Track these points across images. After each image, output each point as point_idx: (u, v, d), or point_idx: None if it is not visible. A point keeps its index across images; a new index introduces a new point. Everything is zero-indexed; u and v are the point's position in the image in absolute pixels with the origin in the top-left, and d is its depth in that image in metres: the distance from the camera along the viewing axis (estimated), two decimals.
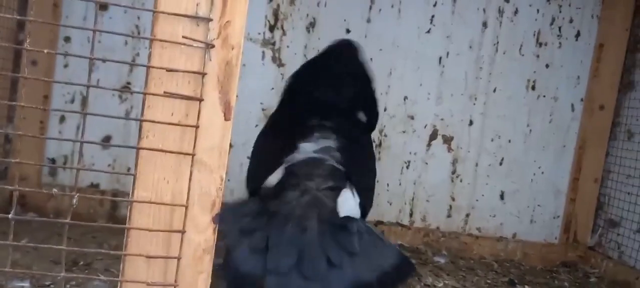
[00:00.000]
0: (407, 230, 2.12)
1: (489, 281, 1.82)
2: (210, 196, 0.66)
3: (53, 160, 1.97)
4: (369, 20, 2.06)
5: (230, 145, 2.04)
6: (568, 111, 2.19)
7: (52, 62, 1.88)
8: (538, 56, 2.15)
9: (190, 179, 0.64)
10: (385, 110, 2.09)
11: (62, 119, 1.92)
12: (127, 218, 0.64)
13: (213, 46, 0.64)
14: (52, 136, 1.91)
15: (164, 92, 0.62)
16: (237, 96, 2.05)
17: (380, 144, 2.11)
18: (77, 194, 0.63)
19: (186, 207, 0.64)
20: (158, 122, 0.63)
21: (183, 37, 0.62)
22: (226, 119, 0.65)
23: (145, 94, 0.62)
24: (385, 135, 2.10)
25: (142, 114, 0.63)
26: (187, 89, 0.63)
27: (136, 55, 1.91)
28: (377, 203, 2.11)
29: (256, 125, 2.01)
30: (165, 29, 0.62)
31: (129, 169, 1.80)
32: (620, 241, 2.02)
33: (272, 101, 2.01)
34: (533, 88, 2.16)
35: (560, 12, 2.15)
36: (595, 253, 2.12)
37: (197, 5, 0.63)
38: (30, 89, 1.80)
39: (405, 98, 2.10)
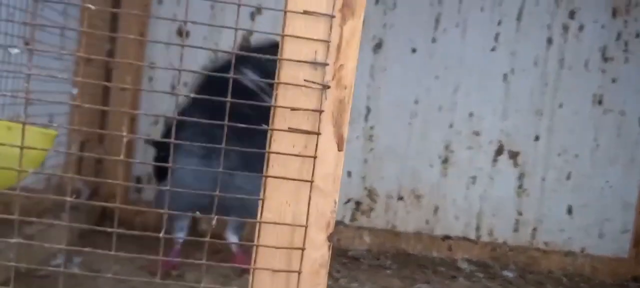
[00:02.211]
0: (474, 245, 2.16)
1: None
2: (325, 217, 0.75)
3: (138, 179, 2.12)
4: (434, 40, 2.13)
5: None
6: (635, 125, 2.19)
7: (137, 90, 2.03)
8: (604, 71, 2.16)
9: (308, 203, 0.73)
10: (451, 126, 2.15)
11: (148, 140, 2.07)
12: (255, 237, 0.74)
13: (329, 87, 0.73)
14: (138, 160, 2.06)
15: (288, 128, 0.72)
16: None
17: (446, 160, 2.16)
18: (216, 217, 0.73)
19: (306, 227, 0.73)
20: (282, 154, 0.72)
21: (304, 80, 0.72)
22: (339, 149, 0.74)
23: (272, 130, 0.72)
24: (452, 151, 2.16)
25: (268, 147, 0.73)
26: (306, 125, 0.73)
27: None
28: (444, 217, 2.17)
29: None
30: (288, 73, 0.72)
31: None
32: None
33: None
34: (599, 102, 2.17)
35: (625, 27, 2.16)
36: None
37: (315, 52, 0.72)
38: (117, 114, 1.97)
39: (471, 114, 2.16)
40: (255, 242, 0.74)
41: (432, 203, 2.17)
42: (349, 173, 2.13)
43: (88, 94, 1.86)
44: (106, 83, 1.91)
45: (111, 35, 1.97)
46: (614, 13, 2.14)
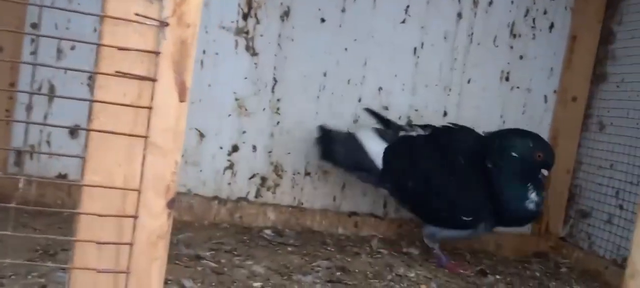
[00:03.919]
0: (381, 221, 2.12)
1: (461, 271, 1.83)
2: (164, 180, 0.64)
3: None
4: (343, 10, 2.04)
5: (202, 135, 2.02)
6: (541, 102, 2.21)
7: (18, 50, 1.82)
8: (512, 47, 2.16)
9: (143, 163, 0.62)
10: (360, 100, 2.08)
11: (29, 108, 1.87)
12: (78, 204, 0.62)
13: (167, 24, 0.61)
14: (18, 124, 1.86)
15: (116, 72, 0.60)
16: (209, 85, 2.01)
17: None
18: (24, 177, 0.60)
19: (139, 192, 0.62)
20: (109, 103, 0.60)
21: (135, 14, 0.60)
22: (181, 100, 0.63)
23: (95, 73, 0.60)
24: (361, 126, 2.09)
25: (92, 95, 0.60)
26: (140, 69, 0.61)
27: None
28: (351, 194, 2.11)
29: (229, 115, 1.99)
30: (117, 6, 0.60)
31: None
32: (590, 232, 2.05)
33: (245, 90, 1.99)
34: (507, 79, 2.17)
35: (534, 3, 2.16)
36: (567, 243, 2.14)
37: None
38: None
39: (380, 89, 2.10)
40: (78, 210, 0.62)
41: (339, 180, 2.10)
42: (254, 148, 2.03)
43: None
44: None
45: None
46: None
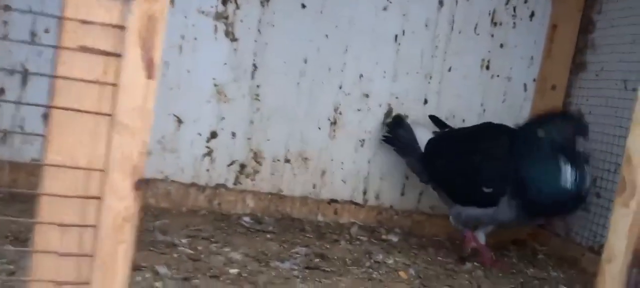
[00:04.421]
0: (360, 208, 2.11)
1: (439, 258, 1.83)
2: (131, 160, 0.61)
3: None
4: None
5: (180, 121, 1.98)
6: (521, 91, 2.21)
7: None
8: (493, 36, 2.16)
9: (108, 142, 0.60)
10: (340, 87, 2.07)
11: (1, 92, 1.82)
12: (39, 185, 0.59)
13: None
14: None
15: (79, 46, 0.57)
16: (188, 71, 1.97)
17: (335, 122, 2.08)
18: None
19: (104, 172, 0.60)
20: (71, 79, 0.58)
21: None
22: (149, 77, 0.61)
23: (57, 47, 0.57)
24: (340, 113, 2.08)
25: (54, 71, 0.58)
26: (105, 45, 0.59)
27: None
28: (331, 181, 2.09)
29: (208, 101, 1.96)
30: None
31: None
32: (568, 219, 2.06)
33: (225, 76, 1.96)
34: (487, 68, 2.17)
35: None
36: (544, 231, 2.16)
37: None
38: None
39: (361, 76, 2.08)
40: (38, 191, 0.59)
41: (319, 167, 2.09)
42: (234, 134, 2.00)
43: None
44: None
45: None
46: None
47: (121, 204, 0.62)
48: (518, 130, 1.79)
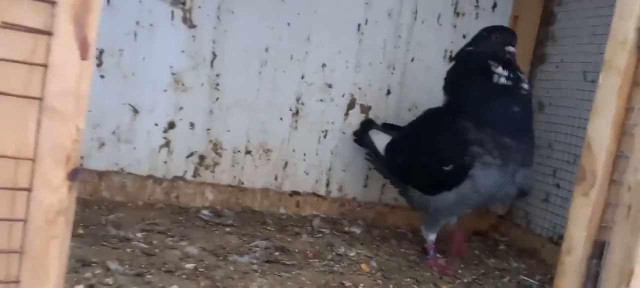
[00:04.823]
0: (323, 200, 2.08)
1: (402, 250, 1.82)
2: (64, 149, 0.56)
3: None
4: None
5: (136, 111, 1.91)
6: None
7: None
8: (455, 26, 2.15)
9: (38, 129, 0.54)
10: (302, 77, 2.03)
11: None
12: None
13: None
14: None
15: (3, 22, 0.52)
16: (144, 58, 1.90)
17: (297, 113, 2.04)
18: None
19: (33, 161, 0.55)
20: None
21: None
22: (83, 58, 0.55)
23: None
24: (303, 104, 2.04)
25: None
26: (34, 21, 0.53)
27: None
28: (293, 173, 2.06)
29: (165, 90, 1.89)
30: None
31: None
32: (528, 210, 2.08)
33: (182, 64, 1.90)
34: (450, 58, 2.16)
35: None
36: (505, 221, 2.17)
37: None
38: None
39: (324, 65, 2.05)
40: None
41: (281, 158, 2.04)
42: (192, 125, 1.94)
43: None
44: None
45: None
46: None
47: (54, 196, 0.56)
48: (451, 67, 1.81)
